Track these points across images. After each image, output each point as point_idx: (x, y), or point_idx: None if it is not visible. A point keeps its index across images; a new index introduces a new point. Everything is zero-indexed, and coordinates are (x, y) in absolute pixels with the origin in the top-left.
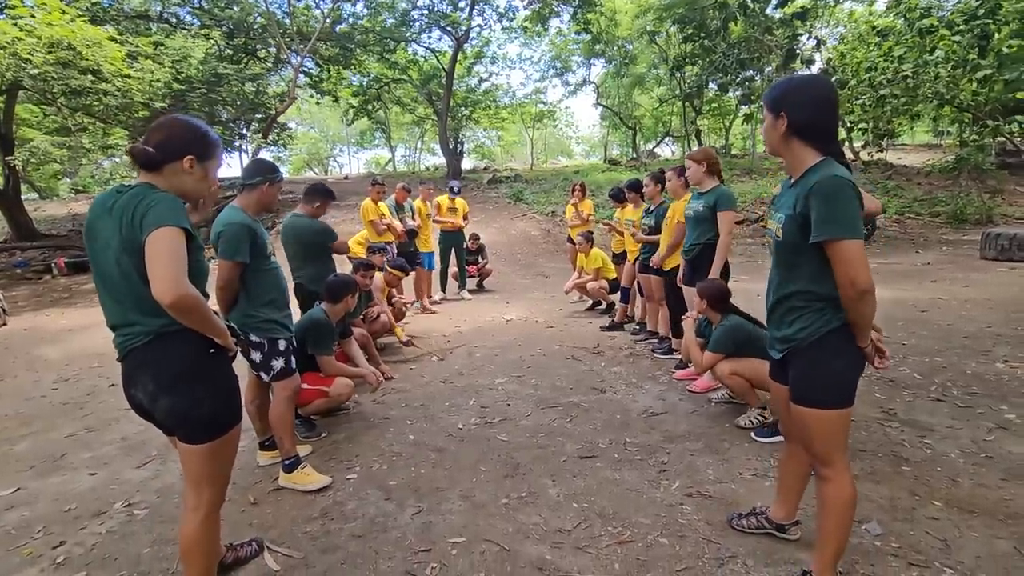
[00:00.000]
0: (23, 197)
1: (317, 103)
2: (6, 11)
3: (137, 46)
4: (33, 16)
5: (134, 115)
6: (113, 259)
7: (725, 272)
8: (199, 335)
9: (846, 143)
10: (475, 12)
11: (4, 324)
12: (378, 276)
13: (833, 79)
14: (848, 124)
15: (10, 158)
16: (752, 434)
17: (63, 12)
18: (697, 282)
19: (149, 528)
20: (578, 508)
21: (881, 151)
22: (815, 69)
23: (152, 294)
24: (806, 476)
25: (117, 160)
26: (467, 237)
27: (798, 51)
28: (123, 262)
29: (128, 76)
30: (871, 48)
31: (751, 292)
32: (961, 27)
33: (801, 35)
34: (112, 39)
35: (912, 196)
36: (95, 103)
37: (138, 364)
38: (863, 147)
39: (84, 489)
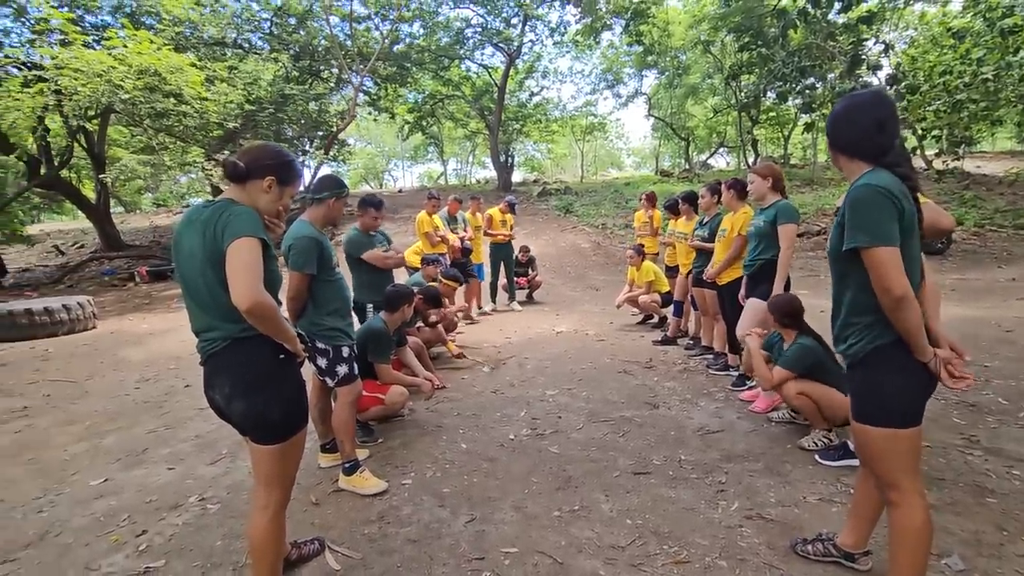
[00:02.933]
0: (111, 210)
1: (375, 120)
2: (103, 43)
3: (214, 71)
4: (126, 46)
5: (209, 134)
6: (197, 269)
7: (785, 287)
8: (271, 341)
9: (917, 151)
10: (527, 28)
11: (94, 327)
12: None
13: (903, 84)
14: (920, 132)
15: (103, 176)
16: (816, 456)
17: (151, 42)
18: (755, 297)
19: (221, 522)
20: (632, 525)
21: (957, 159)
22: (883, 75)
23: (231, 300)
24: (880, 502)
25: (193, 176)
26: (516, 249)
27: (863, 56)
28: (206, 271)
29: (206, 99)
30: (945, 51)
31: (813, 308)
32: None
33: (867, 40)
34: (193, 65)
35: (993, 207)
36: (176, 124)
37: (217, 368)
38: (937, 155)
39: (163, 482)
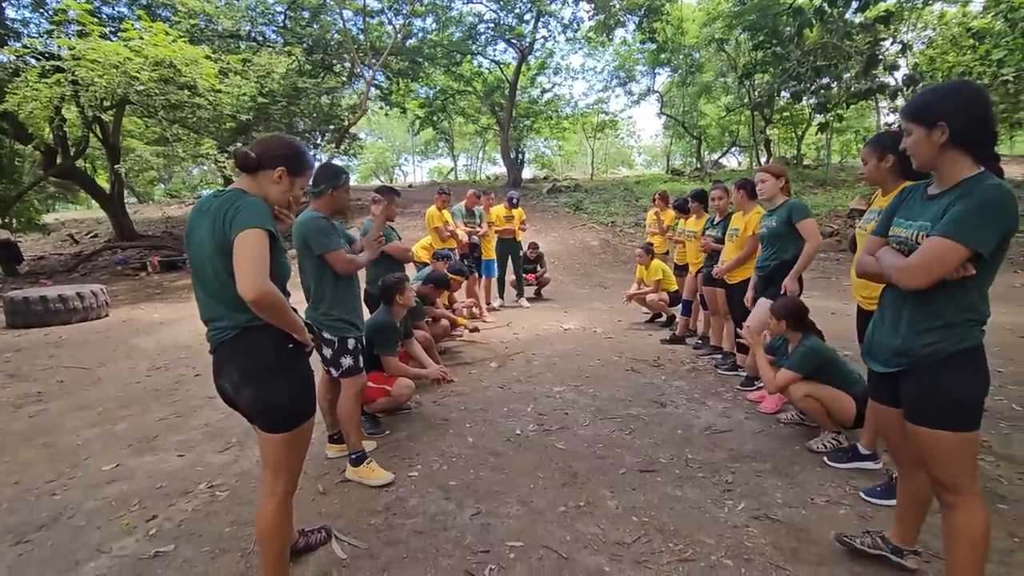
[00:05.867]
0: (124, 200)
1: (386, 114)
2: (120, 34)
3: (228, 63)
4: (142, 38)
5: (222, 127)
6: (207, 258)
7: (798, 287)
8: (279, 331)
9: None
10: (540, 24)
11: (107, 315)
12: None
13: (920, 85)
14: None
15: (117, 166)
16: (825, 459)
17: (167, 34)
18: (766, 297)
19: (229, 508)
20: (637, 522)
21: None
22: (900, 75)
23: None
24: (927, 501)
25: (205, 168)
26: (525, 246)
27: (880, 56)
28: (215, 261)
29: (219, 91)
30: (965, 52)
31: (824, 310)
32: None
33: (884, 40)
34: (207, 57)
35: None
36: (189, 116)
37: (226, 356)
38: None
39: (173, 469)
